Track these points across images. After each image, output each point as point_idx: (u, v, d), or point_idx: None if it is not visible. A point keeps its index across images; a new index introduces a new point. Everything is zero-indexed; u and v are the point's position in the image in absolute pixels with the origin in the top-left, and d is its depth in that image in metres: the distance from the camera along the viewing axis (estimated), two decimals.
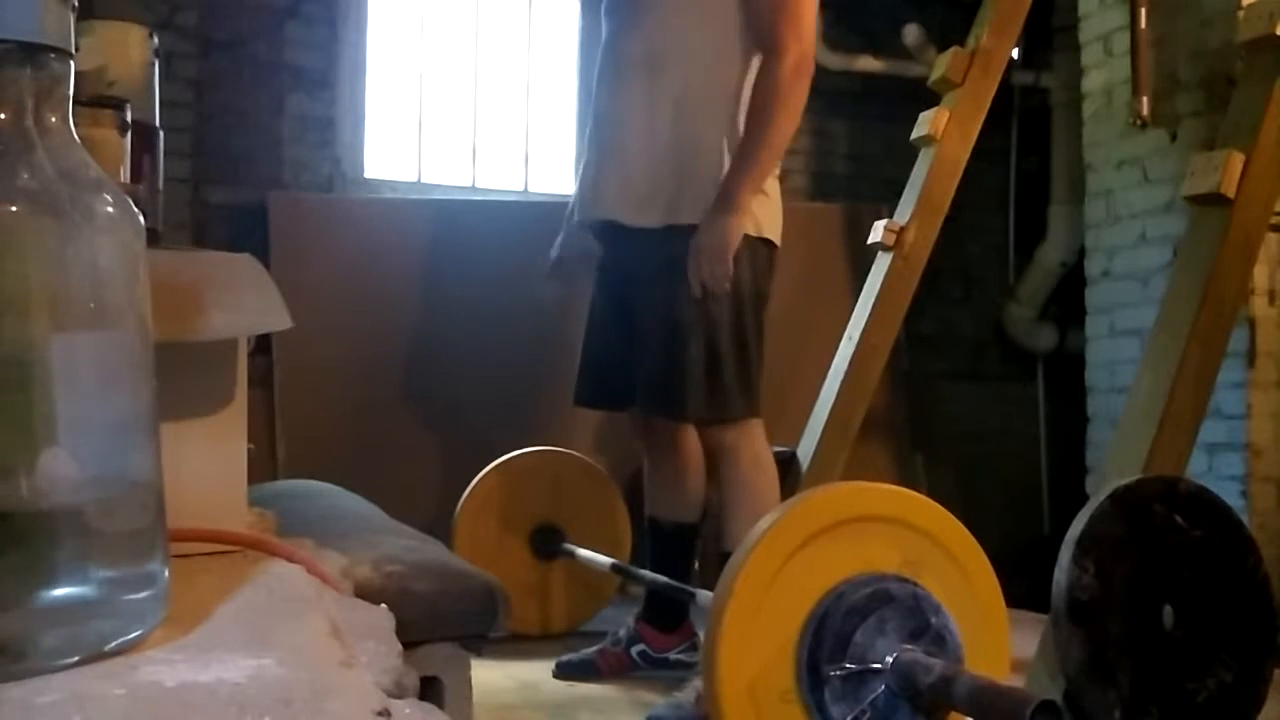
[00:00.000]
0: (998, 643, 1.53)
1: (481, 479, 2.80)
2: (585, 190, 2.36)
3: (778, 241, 2.28)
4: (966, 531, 1.53)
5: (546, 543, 2.78)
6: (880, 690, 1.39)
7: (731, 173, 2.14)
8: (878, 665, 1.39)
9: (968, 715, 1.37)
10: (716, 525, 2.32)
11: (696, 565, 2.86)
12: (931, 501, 1.53)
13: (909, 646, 1.40)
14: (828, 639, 1.40)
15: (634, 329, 2.24)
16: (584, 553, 2.64)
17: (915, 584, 1.44)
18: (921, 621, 1.42)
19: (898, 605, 1.41)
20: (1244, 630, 1.91)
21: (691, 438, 2.38)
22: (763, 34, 2.16)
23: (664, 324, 2.17)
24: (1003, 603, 1.57)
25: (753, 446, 2.24)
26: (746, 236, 2.17)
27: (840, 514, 1.49)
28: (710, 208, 2.13)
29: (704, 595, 2.01)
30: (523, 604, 2.63)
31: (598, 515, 2.83)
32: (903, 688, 1.38)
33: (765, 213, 2.23)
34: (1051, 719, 1.23)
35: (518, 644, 2.52)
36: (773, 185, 2.27)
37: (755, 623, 1.42)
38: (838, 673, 1.38)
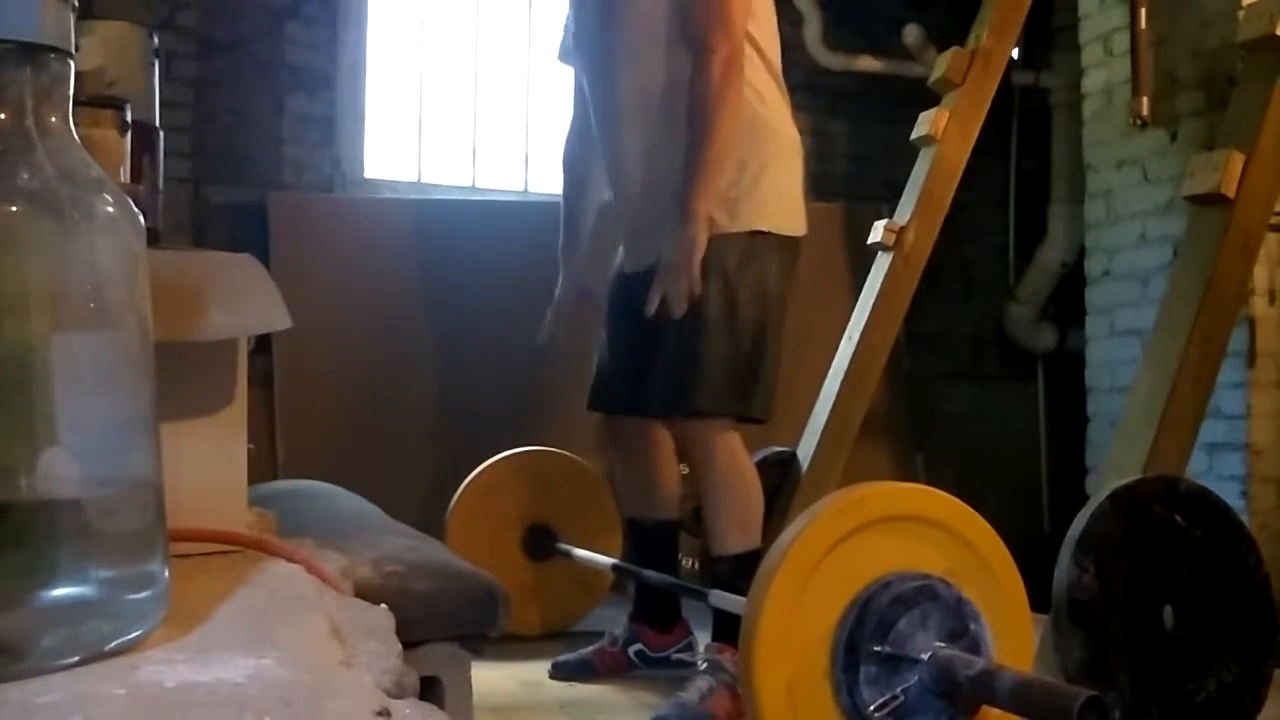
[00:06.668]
0: (1021, 665, 1.54)
1: (472, 480, 2.80)
2: (627, 243, 2.40)
3: (794, 232, 2.26)
4: (1008, 552, 1.54)
5: (538, 543, 2.77)
6: (913, 681, 1.40)
7: (685, 187, 2.11)
8: (914, 656, 1.40)
9: (1010, 710, 1.38)
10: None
11: (694, 564, 2.86)
12: (980, 518, 1.54)
13: (945, 645, 1.41)
14: (870, 621, 1.41)
15: (652, 328, 2.19)
16: (581, 552, 2.64)
17: (959, 590, 1.45)
18: (961, 625, 1.43)
19: (942, 604, 1.43)
20: (1244, 630, 1.91)
21: (663, 435, 2.40)
22: (692, 37, 2.14)
23: (684, 320, 2.12)
24: (1030, 629, 1.57)
25: (729, 445, 2.21)
26: (765, 234, 2.18)
27: (898, 509, 1.51)
28: (673, 224, 2.11)
29: (716, 594, 2.01)
30: (515, 604, 2.63)
31: (590, 515, 2.83)
32: (937, 682, 1.39)
33: (770, 205, 2.22)
34: (1099, 715, 1.23)
35: (518, 644, 2.52)
36: (784, 172, 2.25)
37: (802, 595, 1.44)
38: (877, 649, 1.39)
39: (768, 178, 2.22)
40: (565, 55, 2.49)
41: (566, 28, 2.47)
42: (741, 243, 2.19)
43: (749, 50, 2.21)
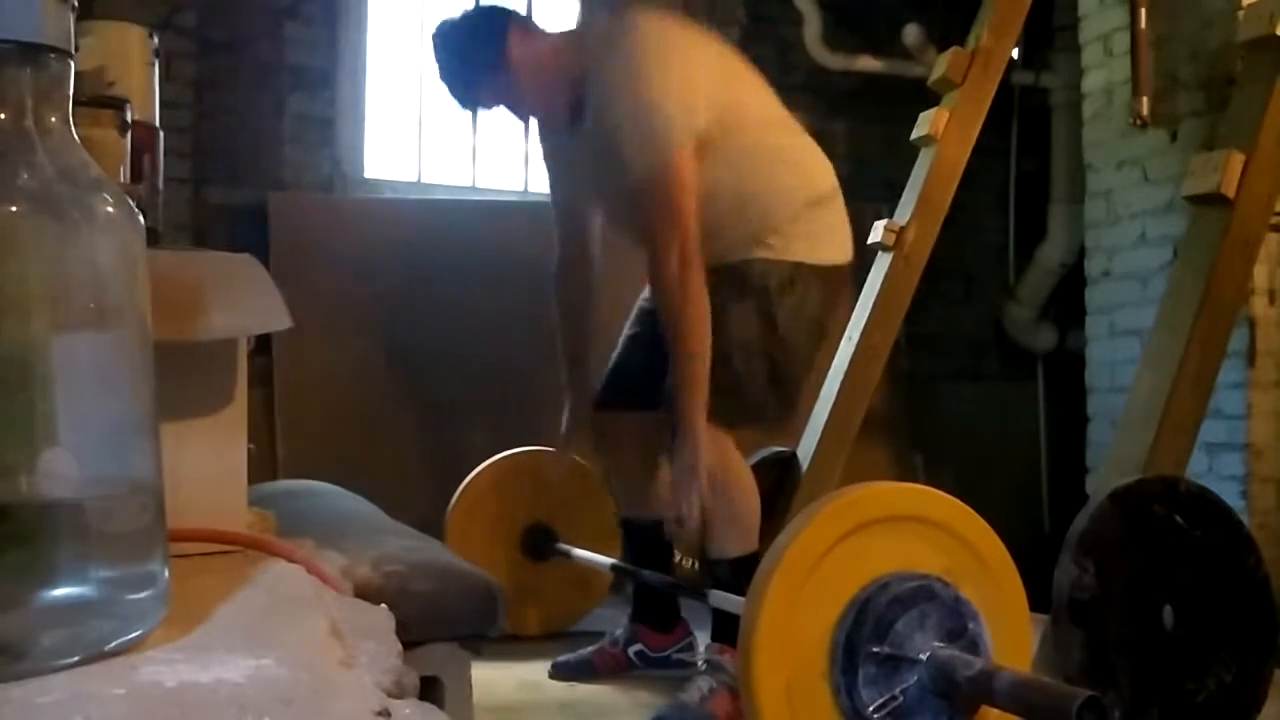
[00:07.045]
0: (1019, 666, 1.54)
1: (471, 480, 2.79)
2: None
3: (839, 261, 2.30)
4: (1005, 551, 1.54)
5: (538, 543, 2.77)
6: (912, 682, 1.40)
7: (676, 399, 2.11)
8: (913, 657, 1.40)
9: (1009, 710, 1.38)
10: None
11: (694, 564, 2.86)
12: (978, 517, 1.54)
13: (944, 645, 1.41)
14: (869, 622, 1.41)
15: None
16: (581, 552, 2.64)
17: (957, 589, 1.45)
18: (960, 624, 1.43)
19: (940, 604, 1.43)
20: (1244, 630, 1.91)
21: (657, 434, 2.41)
22: (644, 237, 2.14)
23: (715, 329, 2.14)
24: (1029, 628, 1.57)
25: (725, 450, 2.21)
26: (811, 265, 2.23)
27: (895, 509, 1.51)
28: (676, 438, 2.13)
29: (716, 595, 2.01)
30: (515, 604, 2.63)
31: (588, 515, 2.83)
32: (936, 682, 1.39)
33: (819, 244, 2.26)
34: (1098, 715, 1.24)
35: (518, 644, 2.53)
36: (830, 212, 2.30)
37: (800, 595, 1.44)
38: (876, 650, 1.39)
39: (817, 222, 2.27)
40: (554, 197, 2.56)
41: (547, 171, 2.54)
42: (786, 269, 2.23)
43: (763, 137, 2.24)
